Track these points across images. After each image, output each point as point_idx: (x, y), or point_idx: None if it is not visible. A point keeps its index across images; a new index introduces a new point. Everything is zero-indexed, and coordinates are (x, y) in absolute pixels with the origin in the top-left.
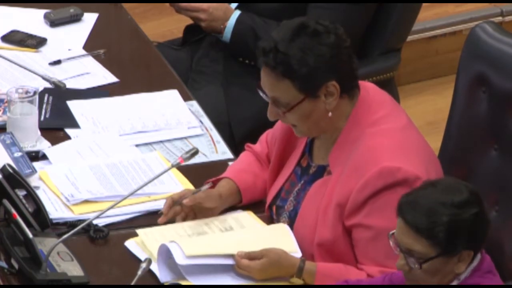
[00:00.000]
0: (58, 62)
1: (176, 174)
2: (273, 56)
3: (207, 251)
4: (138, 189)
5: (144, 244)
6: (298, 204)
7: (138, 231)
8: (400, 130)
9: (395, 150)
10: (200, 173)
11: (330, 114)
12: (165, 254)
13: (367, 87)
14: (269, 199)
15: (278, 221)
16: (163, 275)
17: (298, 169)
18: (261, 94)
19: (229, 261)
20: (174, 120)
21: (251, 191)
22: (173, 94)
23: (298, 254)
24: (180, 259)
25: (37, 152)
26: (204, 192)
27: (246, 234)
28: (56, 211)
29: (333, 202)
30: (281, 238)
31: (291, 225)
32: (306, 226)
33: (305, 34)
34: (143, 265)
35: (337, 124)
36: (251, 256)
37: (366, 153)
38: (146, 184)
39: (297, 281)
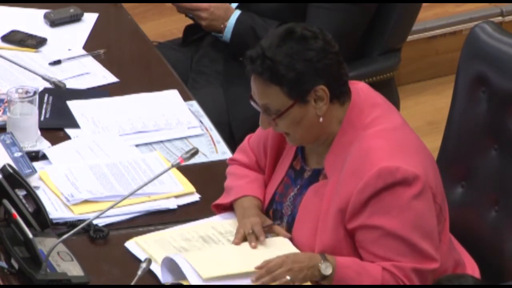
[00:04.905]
0: (58, 62)
1: (176, 174)
2: (260, 63)
3: (223, 272)
4: (138, 189)
5: (144, 249)
6: (295, 209)
7: (137, 239)
8: (395, 130)
9: (392, 150)
10: (200, 173)
11: (321, 119)
12: (169, 261)
13: (359, 89)
14: (265, 204)
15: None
16: (165, 277)
17: (292, 172)
18: (252, 104)
19: (247, 281)
20: (174, 120)
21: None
22: (173, 94)
23: None
24: (195, 280)
25: (37, 152)
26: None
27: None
28: (56, 211)
29: (332, 208)
30: (284, 249)
31: (289, 230)
32: (305, 232)
33: (292, 40)
34: (143, 265)
35: (330, 130)
36: (267, 262)
37: (363, 155)
38: (146, 184)
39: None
